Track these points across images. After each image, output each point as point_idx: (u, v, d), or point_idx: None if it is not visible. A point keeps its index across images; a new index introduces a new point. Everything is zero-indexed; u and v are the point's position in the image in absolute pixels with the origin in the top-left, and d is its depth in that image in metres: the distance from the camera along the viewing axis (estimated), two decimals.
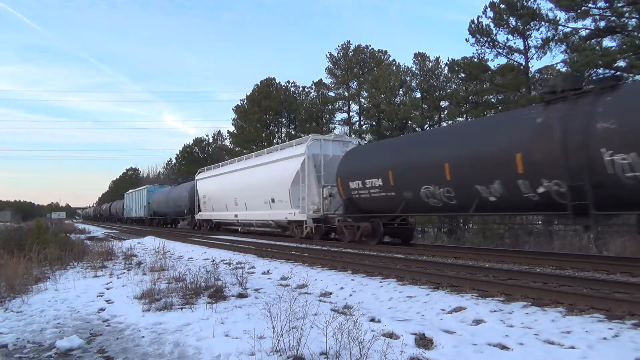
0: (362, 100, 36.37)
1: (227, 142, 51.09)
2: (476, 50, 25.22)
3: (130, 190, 52.43)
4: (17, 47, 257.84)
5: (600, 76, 16.45)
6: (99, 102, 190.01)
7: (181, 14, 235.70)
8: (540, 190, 9.12)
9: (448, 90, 32.93)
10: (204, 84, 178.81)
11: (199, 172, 29.01)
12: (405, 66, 34.40)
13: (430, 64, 34.57)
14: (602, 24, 19.84)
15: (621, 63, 18.80)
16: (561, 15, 21.72)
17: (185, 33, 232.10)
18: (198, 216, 28.16)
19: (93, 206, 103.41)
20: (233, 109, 43.16)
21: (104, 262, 11.58)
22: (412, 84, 34.23)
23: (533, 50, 24.21)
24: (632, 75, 18.63)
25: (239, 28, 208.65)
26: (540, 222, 21.17)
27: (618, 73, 16.55)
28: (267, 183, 19.45)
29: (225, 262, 11.64)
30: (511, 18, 23.73)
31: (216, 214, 25.60)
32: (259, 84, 41.48)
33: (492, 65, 25.29)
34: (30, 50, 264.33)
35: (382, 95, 31.97)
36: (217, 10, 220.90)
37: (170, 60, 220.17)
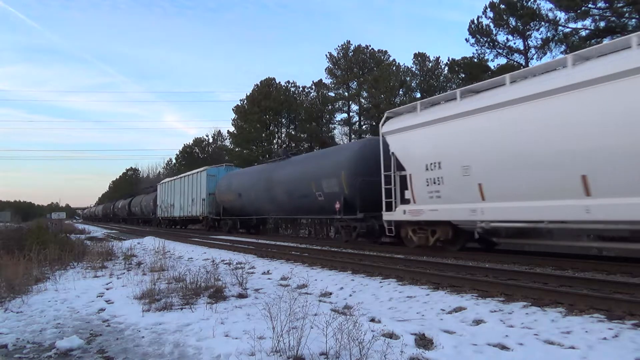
0: (362, 100, 36.39)
1: (227, 142, 51.10)
2: (476, 50, 25.28)
3: (168, 179, 36.28)
4: (18, 47, 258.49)
5: None
6: (100, 102, 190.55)
7: (183, 14, 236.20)
8: None
9: (448, 91, 32.97)
10: (205, 84, 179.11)
11: (390, 118, 12.96)
12: (405, 66, 34.43)
13: (430, 64, 34.60)
14: (602, 24, 19.88)
15: None
16: (561, 16, 21.79)
17: (186, 33, 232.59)
18: (404, 215, 11.98)
19: (102, 204, 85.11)
20: (233, 109, 43.15)
21: (103, 263, 11.57)
22: (412, 84, 34.23)
23: (533, 51, 24.25)
24: None
25: (240, 28, 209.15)
26: None
27: None
28: None
29: (225, 262, 11.64)
30: (511, 18, 23.75)
31: (504, 207, 9.58)
32: (258, 84, 41.50)
33: (492, 65, 25.33)
34: (31, 51, 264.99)
35: (382, 96, 31.97)
36: (218, 10, 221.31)
37: (172, 61, 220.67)
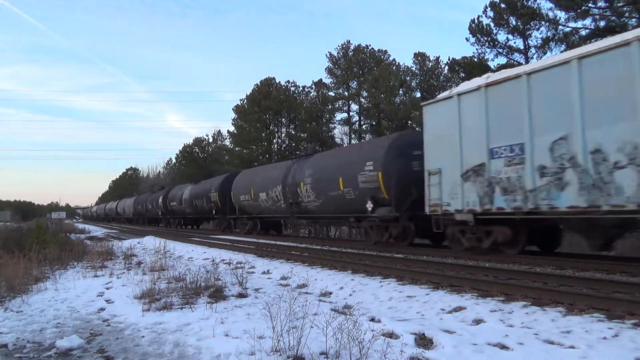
0: (362, 100, 36.36)
1: (227, 142, 51.04)
2: (476, 49, 25.22)
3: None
4: (21, 47, 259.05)
5: None
6: (101, 102, 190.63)
7: (186, 15, 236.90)
8: None
9: (448, 90, 32.91)
10: (207, 84, 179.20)
11: None
12: (405, 66, 34.42)
13: (430, 64, 34.60)
14: (602, 23, 19.86)
15: None
16: (561, 15, 21.77)
17: (189, 33, 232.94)
18: None
19: (130, 197, 54.66)
20: (233, 109, 43.15)
21: (104, 262, 11.58)
22: (412, 84, 34.23)
23: (533, 50, 24.23)
24: None
25: (242, 28, 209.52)
26: None
27: None
28: None
29: (225, 262, 11.64)
30: (511, 18, 23.74)
31: None
32: (258, 83, 41.49)
33: (492, 65, 25.25)
34: (34, 51, 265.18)
35: (382, 95, 31.97)
36: (221, 11, 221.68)
37: (174, 61, 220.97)
